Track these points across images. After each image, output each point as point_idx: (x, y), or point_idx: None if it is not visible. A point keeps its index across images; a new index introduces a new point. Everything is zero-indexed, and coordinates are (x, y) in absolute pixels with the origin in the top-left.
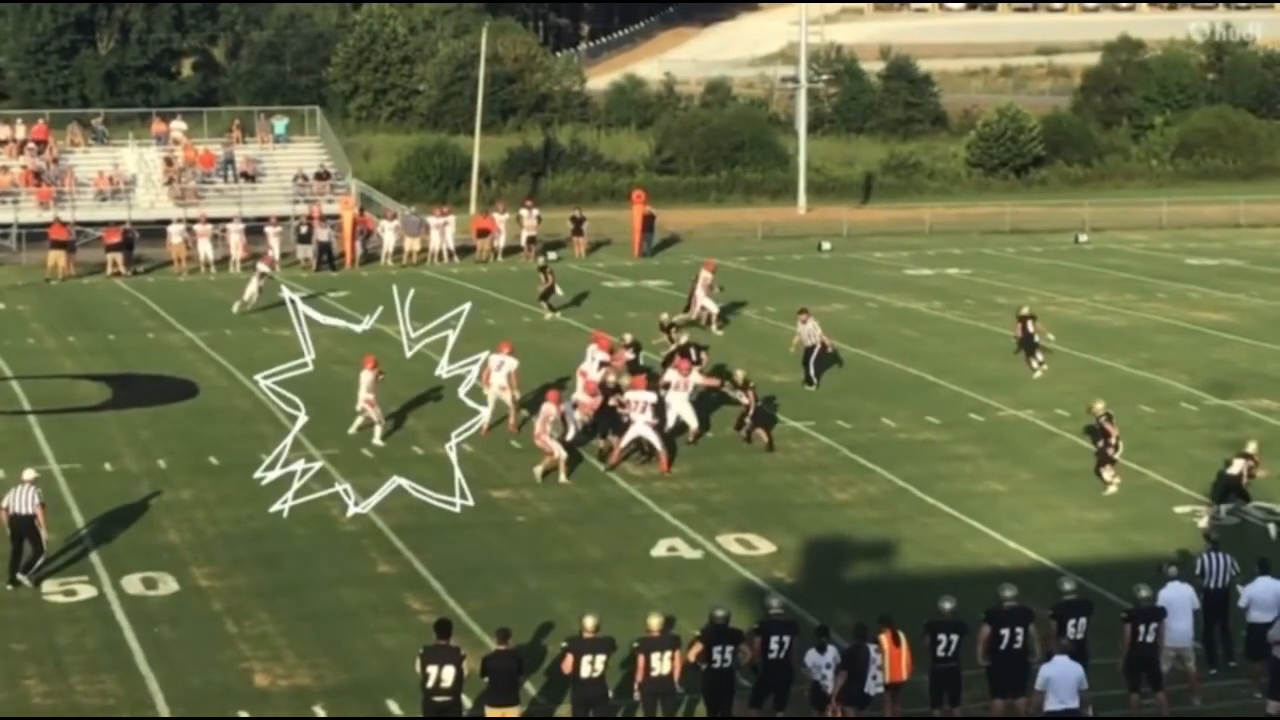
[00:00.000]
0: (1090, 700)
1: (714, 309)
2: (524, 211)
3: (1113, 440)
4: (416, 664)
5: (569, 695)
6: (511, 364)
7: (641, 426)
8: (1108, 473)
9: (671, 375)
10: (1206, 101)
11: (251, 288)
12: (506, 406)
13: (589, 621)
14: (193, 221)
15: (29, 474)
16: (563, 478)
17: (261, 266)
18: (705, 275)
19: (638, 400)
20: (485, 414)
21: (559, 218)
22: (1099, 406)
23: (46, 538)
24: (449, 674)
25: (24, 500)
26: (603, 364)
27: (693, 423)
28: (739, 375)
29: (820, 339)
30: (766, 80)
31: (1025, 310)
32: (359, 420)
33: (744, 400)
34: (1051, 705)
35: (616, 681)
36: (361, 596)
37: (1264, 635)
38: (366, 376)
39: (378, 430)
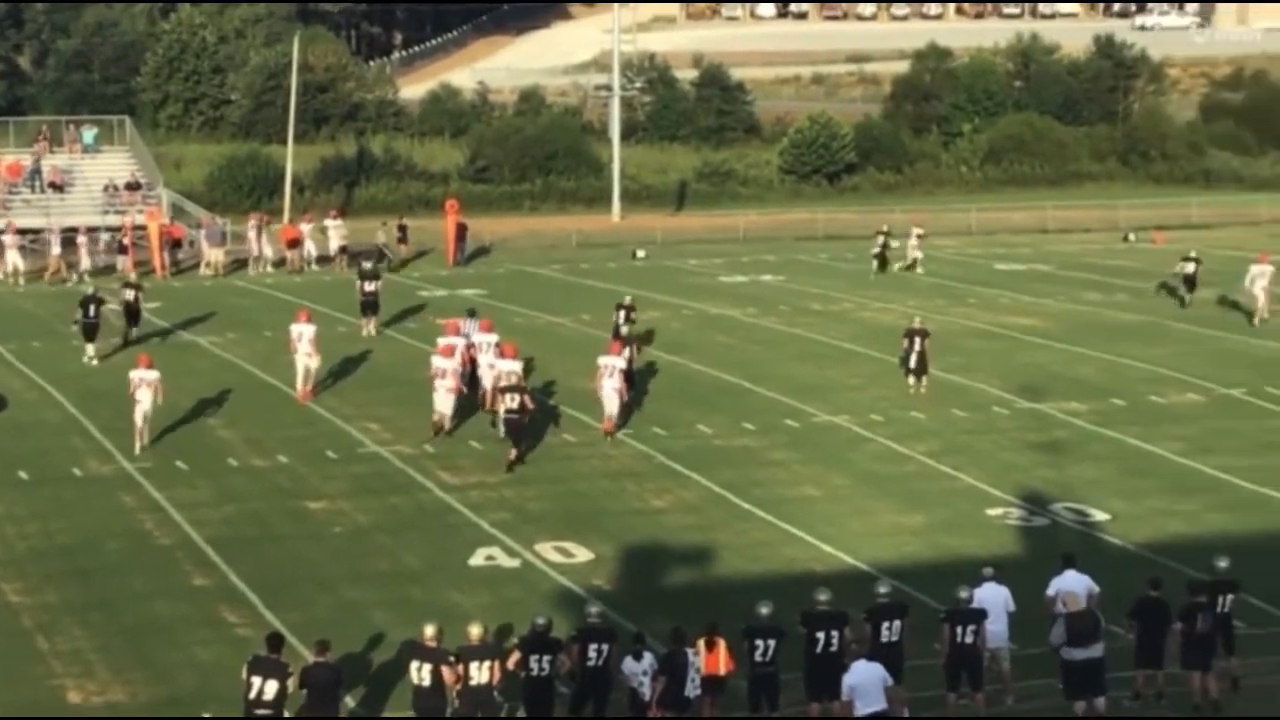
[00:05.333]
0: (908, 701)
1: None
2: (329, 222)
3: (914, 353)
4: (243, 671)
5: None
6: (310, 330)
7: (609, 391)
8: (912, 380)
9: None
10: (1014, 109)
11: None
12: (310, 372)
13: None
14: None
15: None
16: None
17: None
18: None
19: (607, 365)
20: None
21: (374, 228)
22: (916, 321)
23: None
24: (271, 688)
25: None
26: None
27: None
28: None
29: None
30: (580, 88)
31: None
32: None
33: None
34: (861, 710)
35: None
36: (176, 610)
37: (1079, 625)
38: None
39: None
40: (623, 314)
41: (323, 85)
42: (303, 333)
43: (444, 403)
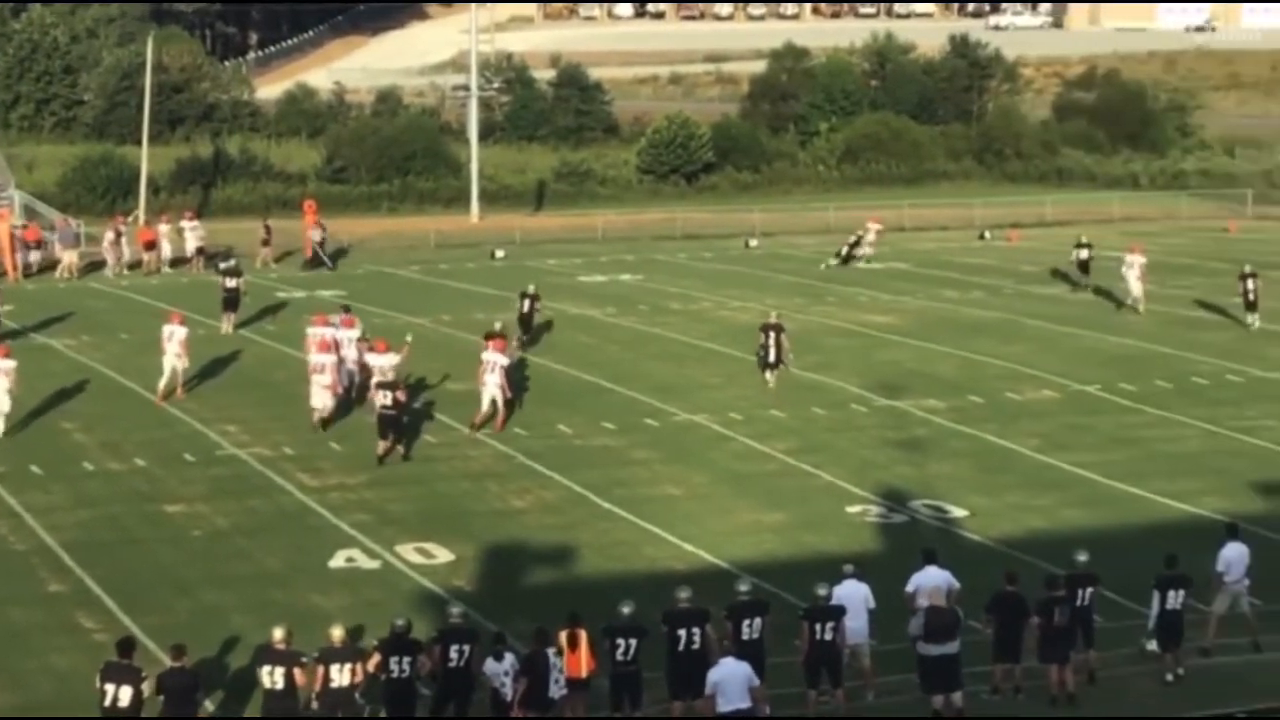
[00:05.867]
0: (769, 699)
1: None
2: (184, 224)
3: (770, 347)
4: (96, 679)
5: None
6: (182, 332)
7: (493, 388)
8: (769, 375)
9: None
10: (870, 108)
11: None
12: (178, 373)
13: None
14: None
15: None
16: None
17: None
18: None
19: (490, 361)
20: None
21: (231, 229)
22: (773, 316)
23: None
24: (126, 694)
25: None
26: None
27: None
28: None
29: None
30: (438, 89)
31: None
32: None
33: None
34: (723, 708)
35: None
36: (31, 616)
37: (936, 620)
38: None
39: None
40: (528, 302)
41: (177, 85)
42: (174, 334)
43: (320, 398)
